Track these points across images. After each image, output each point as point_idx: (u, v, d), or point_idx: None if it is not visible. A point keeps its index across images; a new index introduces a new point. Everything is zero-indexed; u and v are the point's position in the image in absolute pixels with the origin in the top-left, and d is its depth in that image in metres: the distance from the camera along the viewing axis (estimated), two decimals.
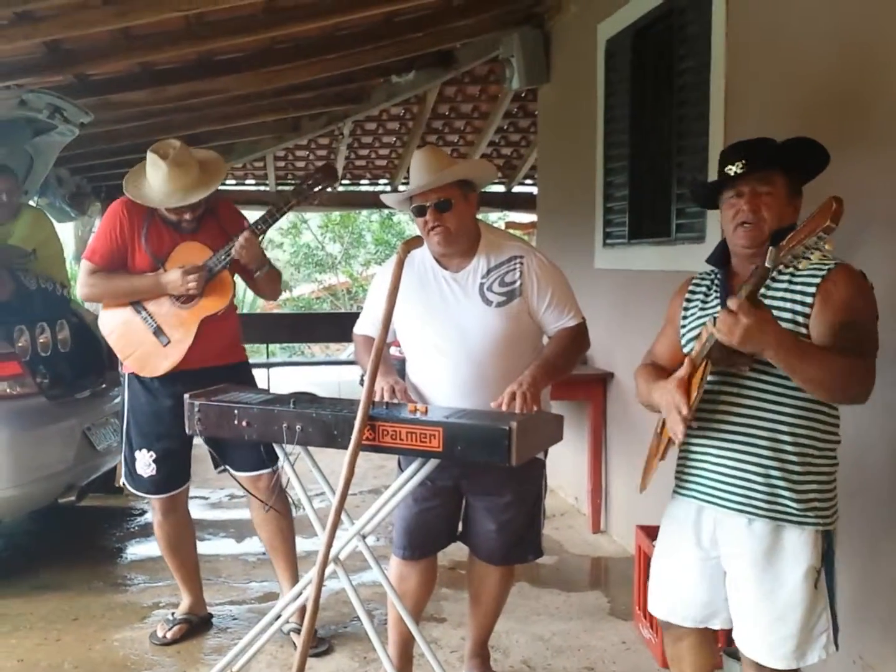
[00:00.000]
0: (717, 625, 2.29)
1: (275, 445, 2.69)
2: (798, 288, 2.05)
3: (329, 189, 3.33)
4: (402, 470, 2.78)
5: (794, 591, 2.07)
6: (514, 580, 3.23)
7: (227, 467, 3.30)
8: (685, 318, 2.30)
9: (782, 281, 2.08)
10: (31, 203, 5.30)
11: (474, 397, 2.59)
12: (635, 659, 3.30)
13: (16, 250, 4.45)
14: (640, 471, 2.40)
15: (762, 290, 2.01)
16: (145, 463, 3.30)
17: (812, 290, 2.01)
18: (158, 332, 3.27)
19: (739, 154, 2.15)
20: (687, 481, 2.24)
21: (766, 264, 1.85)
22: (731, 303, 1.88)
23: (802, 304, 2.03)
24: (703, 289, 2.30)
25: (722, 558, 2.19)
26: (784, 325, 1.99)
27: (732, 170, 2.13)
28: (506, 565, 2.92)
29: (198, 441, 2.96)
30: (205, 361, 3.25)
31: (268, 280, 3.36)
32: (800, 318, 2.03)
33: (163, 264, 3.24)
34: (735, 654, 2.99)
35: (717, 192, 2.24)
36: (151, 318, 3.28)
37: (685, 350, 2.24)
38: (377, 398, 2.53)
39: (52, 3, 3.77)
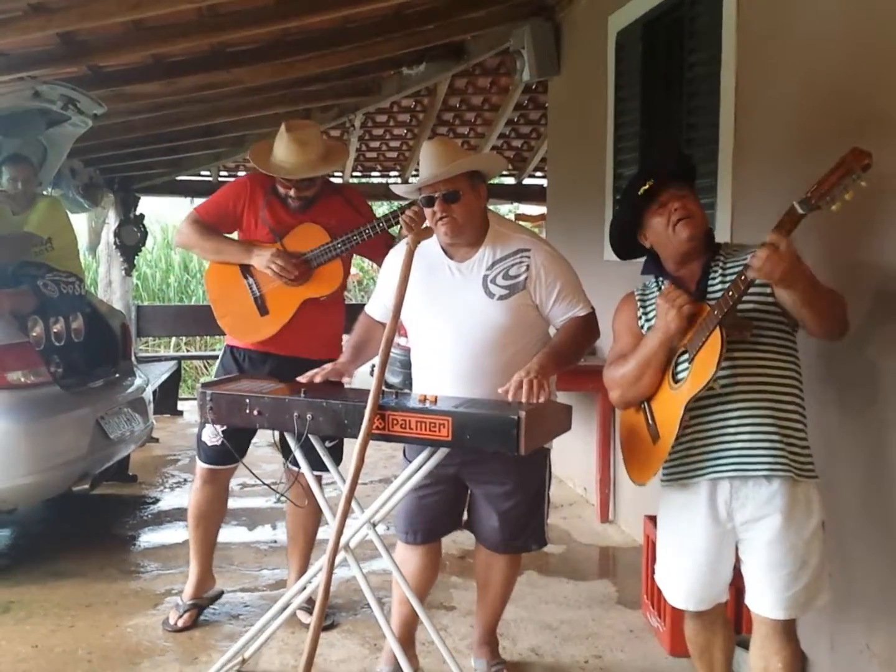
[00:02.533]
0: (724, 598, 2.45)
1: (286, 436, 2.72)
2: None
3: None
4: (407, 460, 2.81)
5: (810, 543, 2.24)
6: (523, 569, 3.26)
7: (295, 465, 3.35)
8: (648, 320, 2.44)
9: (734, 263, 2.32)
10: (45, 193, 5.34)
11: (474, 388, 2.61)
12: (643, 647, 3.33)
13: (32, 238, 4.51)
14: None
15: (723, 273, 2.33)
16: (212, 433, 3.33)
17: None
18: (260, 301, 3.32)
19: (644, 177, 2.41)
20: (698, 461, 2.31)
21: (799, 210, 1.99)
22: (774, 239, 2.01)
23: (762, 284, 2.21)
24: (655, 295, 2.43)
25: (737, 528, 2.30)
26: (756, 302, 2.26)
27: (644, 188, 2.36)
28: (509, 553, 2.95)
29: None
30: (299, 351, 3.28)
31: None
32: (769, 297, 2.26)
33: (280, 239, 3.29)
34: (746, 645, 3.03)
35: (635, 228, 2.46)
36: (257, 285, 3.32)
37: None
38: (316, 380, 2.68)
39: None
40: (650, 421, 2.39)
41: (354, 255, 3.47)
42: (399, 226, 3.21)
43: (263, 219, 3.31)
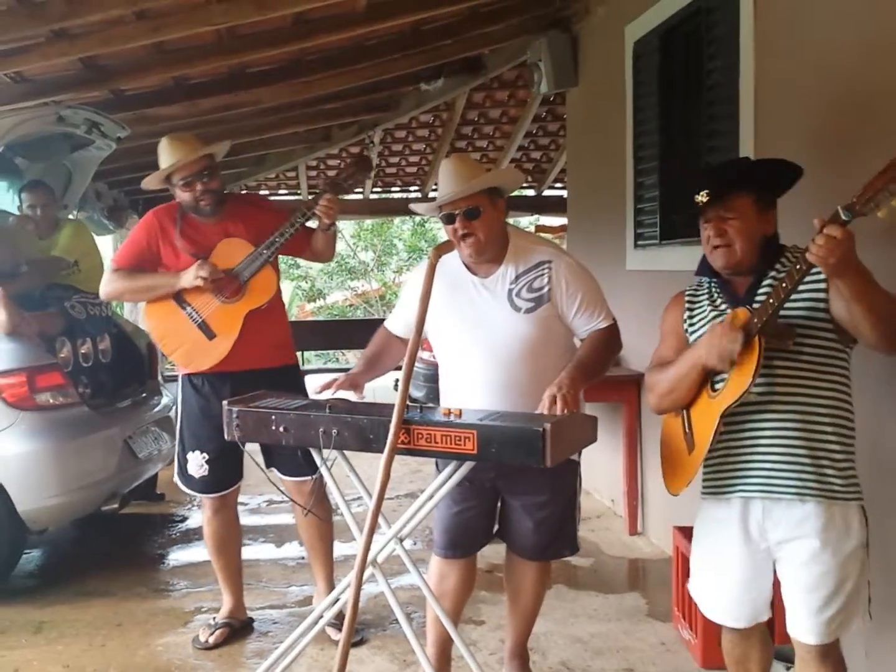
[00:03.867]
0: (765, 616, 2.37)
1: (312, 451, 2.73)
2: (808, 285, 2.15)
3: (362, 178, 3.42)
4: (439, 471, 2.81)
5: (846, 566, 2.16)
6: (552, 583, 3.23)
7: (275, 470, 3.39)
8: (694, 324, 2.38)
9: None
10: (72, 216, 5.42)
11: (504, 401, 2.62)
12: (675, 660, 3.30)
13: (60, 262, 4.57)
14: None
15: (775, 279, 2.20)
16: (198, 464, 3.37)
17: (821, 275, 2.09)
18: (203, 326, 3.33)
19: (703, 183, 2.30)
20: (730, 478, 2.27)
21: (843, 217, 1.90)
22: (831, 228, 1.92)
23: (816, 290, 2.16)
24: (704, 297, 2.39)
25: (772, 548, 2.25)
26: (805, 311, 2.16)
27: (698, 199, 2.27)
28: (543, 560, 2.95)
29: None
30: (254, 363, 3.31)
31: (332, 236, 3.46)
32: (820, 305, 2.15)
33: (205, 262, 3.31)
34: (781, 656, 3.00)
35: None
36: (196, 312, 3.34)
37: None
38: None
39: (87, 20, 3.86)
40: (687, 429, 2.35)
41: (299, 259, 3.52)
42: (316, 217, 3.28)
43: (182, 247, 3.32)
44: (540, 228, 11.78)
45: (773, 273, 2.25)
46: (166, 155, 3.29)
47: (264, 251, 3.29)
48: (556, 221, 11.36)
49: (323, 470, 2.71)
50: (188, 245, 3.32)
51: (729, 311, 2.26)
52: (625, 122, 4.83)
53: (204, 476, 3.40)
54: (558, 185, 9.84)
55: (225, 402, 2.74)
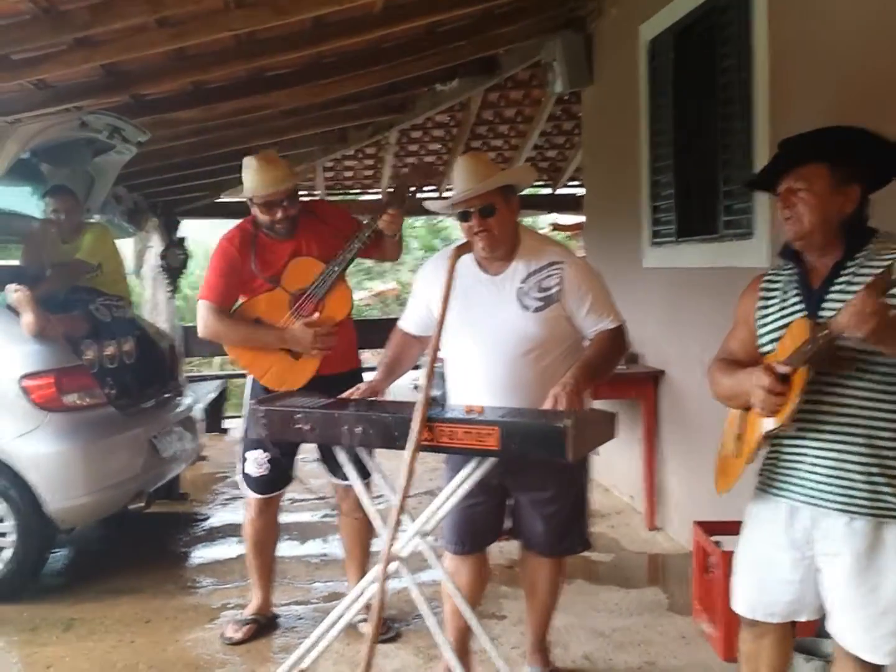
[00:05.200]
0: (804, 617, 2.30)
1: (335, 451, 2.77)
2: None
3: (424, 184, 3.46)
4: (448, 469, 2.86)
5: None
6: (572, 578, 3.28)
7: (330, 475, 3.46)
8: (764, 317, 2.27)
9: (869, 269, 2.06)
10: (94, 220, 5.49)
11: (510, 399, 2.66)
12: (696, 653, 3.33)
13: (84, 265, 4.65)
14: (696, 467, 2.43)
15: (850, 280, 2.08)
16: (258, 463, 3.42)
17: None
18: (287, 348, 3.38)
19: (778, 152, 2.21)
20: (779, 481, 2.23)
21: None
22: (862, 302, 1.85)
23: None
24: (780, 286, 2.27)
25: (817, 557, 2.18)
26: None
27: (758, 173, 2.22)
28: (555, 556, 2.99)
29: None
30: (324, 369, 3.36)
31: (398, 241, 3.52)
32: None
33: (278, 283, 3.37)
34: (804, 649, 3.01)
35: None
36: None
37: (763, 350, 2.24)
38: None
39: (109, 28, 3.92)
40: (740, 431, 2.29)
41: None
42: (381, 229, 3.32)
43: (256, 272, 3.37)
44: (556, 227, 11.81)
45: (854, 264, 2.11)
46: (252, 177, 3.31)
47: (335, 268, 3.34)
48: (571, 220, 11.39)
49: (347, 469, 2.77)
50: (262, 268, 3.38)
51: (799, 305, 2.17)
52: (640, 120, 4.87)
53: (263, 475, 3.45)
54: (573, 183, 9.87)
55: (252, 402, 2.81)
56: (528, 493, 2.86)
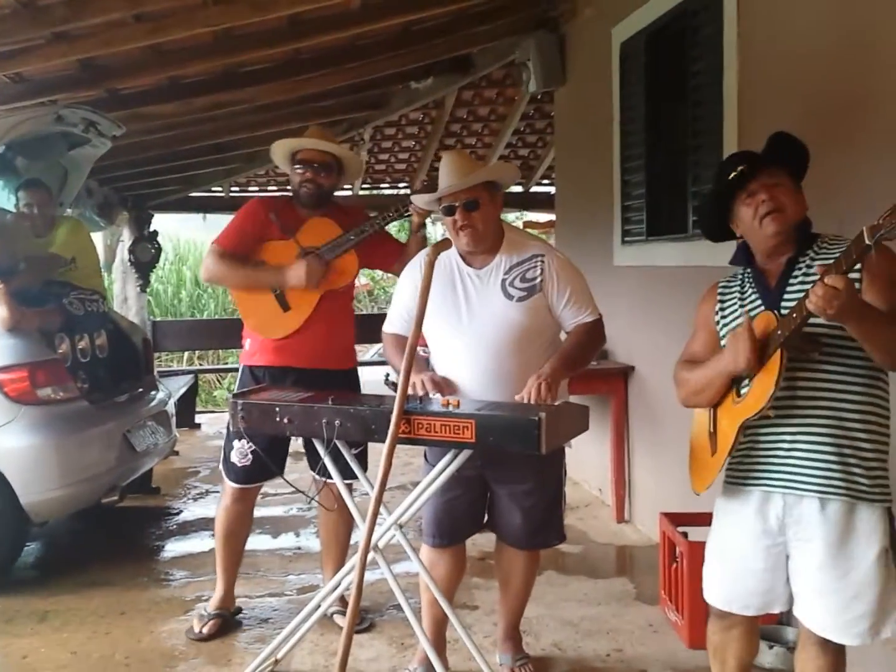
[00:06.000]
0: (776, 609, 2.37)
1: (315, 443, 2.82)
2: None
3: None
4: (428, 462, 2.92)
5: (868, 571, 2.15)
6: (542, 569, 3.35)
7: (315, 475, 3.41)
8: (724, 317, 2.37)
9: (821, 261, 2.15)
10: (67, 213, 5.48)
11: (495, 388, 2.73)
12: (662, 640, 3.42)
13: (58, 259, 4.64)
14: (664, 461, 2.49)
15: (805, 272, 2.19)
16: (242, 453, 3.43)
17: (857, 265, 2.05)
18: (280, 298, 3.41)
19: (737, 161, 2.30)
20: (753, 471, 2.27)
21: (867, 241, 1.87)
22: (831, 279, 1.92)
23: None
24: (736, 289, 2.37)
25: (789, 543, 2.24)
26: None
27: (734, 174, 2.26)
28: (531, 549, 3.06)
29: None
30: (320, 362, 3.39)
31: (422, 242, 3.51)
32: None
33: (294, 235, 3.41)
34: (767, 636, 3.10)
35: (725, 213, 2.35)
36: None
37: None
38: (419, 392, 2.69)
39: (88, 23, 3.94)
40: (712, 429, 2.36)
41: (366, 267, 3.60)
42: (410, 214, 3.35)
43: (274, 221, 3.43)
44: (527, 224, 11.89)
45: (804, 260, 2.23)
46: (303, 139, 3.44)
47: (352, 237, 3.39)
48: (543, 217, 11.49)
49: (327, 461, 2.82)
50: (282, 218, 3.43)
51: (757, 302, 2.26)
52: (612, 120, 4.95)
53: (246, 465, 3.45)
54: (545, 181, 9.95)
55: (229, 395, 2.85)
56: (508, 486, 2.92)
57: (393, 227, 18.88)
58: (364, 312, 15.13)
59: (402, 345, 2.96)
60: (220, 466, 3.59)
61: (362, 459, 3.30)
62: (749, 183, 2.26)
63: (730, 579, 2.37)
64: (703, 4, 3.89)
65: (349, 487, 3.01)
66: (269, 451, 3.33)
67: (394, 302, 3.08)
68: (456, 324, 2.83)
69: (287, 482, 3.04)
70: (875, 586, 2.15)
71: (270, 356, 3.45)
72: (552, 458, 2.79)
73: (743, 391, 2.25)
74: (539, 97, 7.48)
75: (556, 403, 2.58)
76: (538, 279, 2.79)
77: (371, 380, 9.12)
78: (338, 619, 3.47)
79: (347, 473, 2.91)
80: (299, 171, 3.41)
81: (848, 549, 2.16)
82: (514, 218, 13.91)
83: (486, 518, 3.07)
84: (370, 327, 3.36)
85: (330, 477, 2.93)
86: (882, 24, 2.74)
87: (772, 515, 2.25)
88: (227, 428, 3.53)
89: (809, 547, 2.19)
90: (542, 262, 2.81)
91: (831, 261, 2.05)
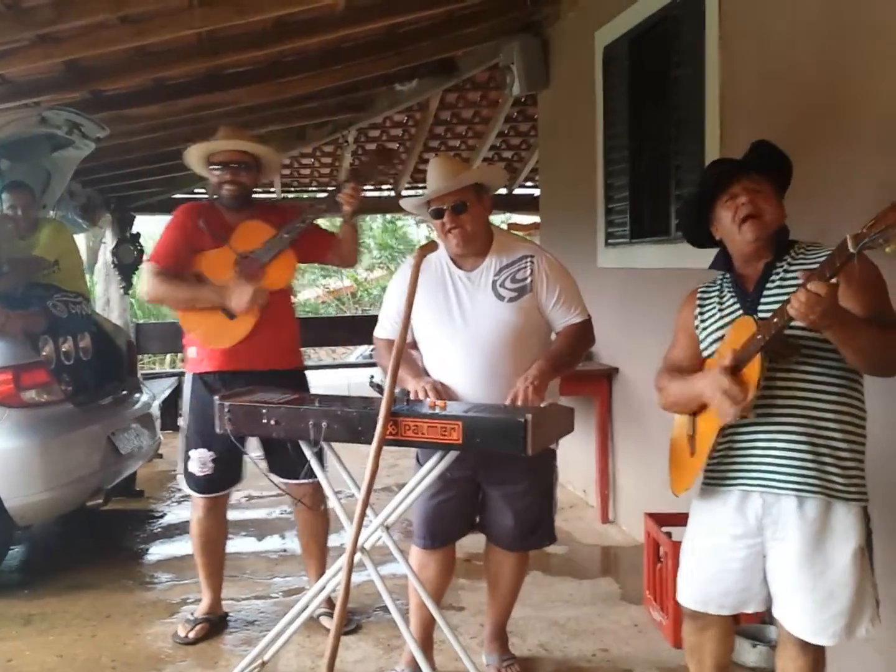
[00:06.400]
0: (751, 609, 2.40)
1: (302, 445, 2.82)
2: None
3: (385, 169, 3.53)
4: (420, 464, 2.93)
5: (844, 571, 2.17)
6: (528, 570, 3.37)
7: (273, 475, 3.45)
8: (703, 322, 2.40)
9: (798, 267, 2.20)
10: (50, 215, 5.46)
11: (487, 389, 2.75)
12: (647, 640, 3.45)
13: (41, 261, 4.63)
14: (647, 462, 2.50)
15: (783, 277, 2.22)
16: (202, 462, 3.43)
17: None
18: (225, 307, 3.39)
19: (719, 165, 2.35)
20: (732, 471, 2.30)
21: (850, 249, 1.88)
22: (814, 285, 1.94)
23: None
24: (715, 294, 2.40)
25: (766, 542, 2.26)
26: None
27: (716, 175, 2.29)
28: (522, 551, 3.07)
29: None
30: (267, 364, 3.40)
31: (355, 232, 3.52)
32: None
33: (226, 241, 3.41)
34: (750, 635, 3.14)
35: (705, 217, 2.37)
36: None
37: (707, 353, 2.36)
38: (421, 397, 2.72)
39: (72, 25, 3.92)
40: (692, 431, 2.38)
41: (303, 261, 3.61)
42: (340, 205, 3.36)
43: (204, 229, 3.41)
44: (512, 226, 11.93)
45: (782, 266, 2.26)
46: (218, 141, 3.43)
47: (285, 235, 3.39)
48: (527, 219, 11.52)
49: (313, 462, 2.83)
50: (213, 225, 3.42)
51: (736, 306, 2.29)
52: (595, 124, 4.98)
53: (208, 475, 3.45)
54: (529, 183, 9.99)
55: (216, 397, 2.84)
56: (501, 488, 2.93)
57: (377, 229, 18.77)
58: (348, 314, 15.13)
59: (390, 346, 3.01)
60: (180, 478, 3.58)
61: (320, 458, 3.31)
62: (731, 186, 2.28)
63: (706, 580, 2.39)
64: (685, 10, 3.92)
65: (316, 487, 3.05)
66: (230, 457, 3.36)
67: (384, 306, 3.09)
68: (448, 326, 2.84)
69: (276, 485, 3.04)
70: (850, 585, 2.17)
71: (220, 362, 3.43)
72: (543, 460, 2.82)
73: None
74: (523, 100, 7.51)
75: (544, 405, 2.60)
76: (528, 279, 2.82)
77: (355, 382, 9.20)
78: (324, 620, 3.48)
79: (310, 473, 2.93)
80: (217, 172, 3.40)
81: (824, 547, 2.18)
82: (500, 221, 13.96)
83: (477, 519, 3.09)
84: (354, 329, 3.39)
85: (314, 476, 2.94)
86: (863, 29, 2.78)
87: (751, 515, 2.27)
88: (183, 438, 3.55)
89: (786, 546, 2.21)
90: (532, 262, 2.84)
91: (808, 267, 2.09)
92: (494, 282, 2.83)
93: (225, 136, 3.44)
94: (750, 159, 2.35)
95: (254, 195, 3.57)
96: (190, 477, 3.50)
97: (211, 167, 3.42)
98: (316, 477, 2.93)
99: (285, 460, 3.36)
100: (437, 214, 2.80)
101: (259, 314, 3.38)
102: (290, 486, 3.47)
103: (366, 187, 3.59)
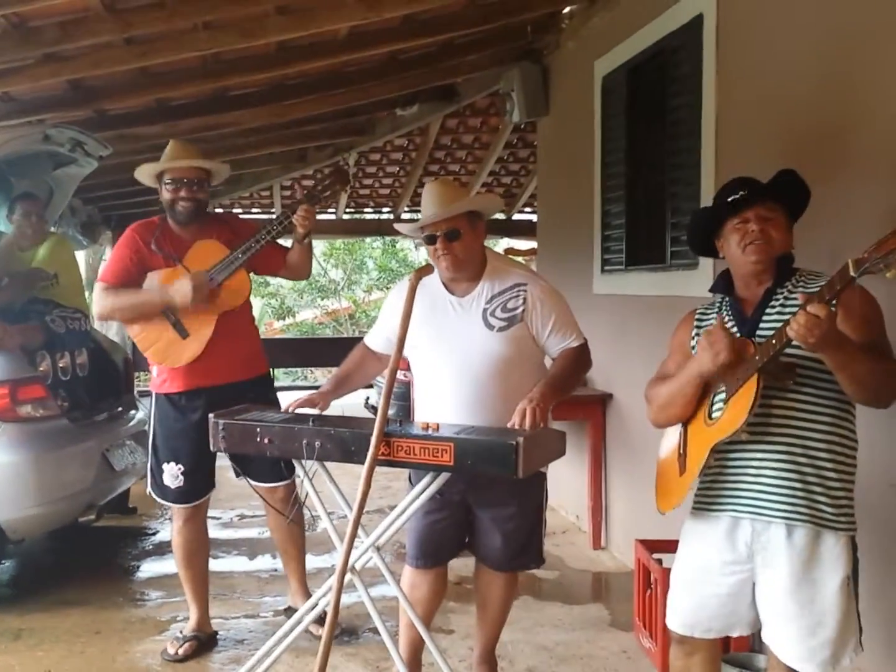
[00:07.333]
0: (737, 632, 2.41)
1: (294, 462, 2.85)
2: None
3: (339, 190, 3.55)
4: (412, 485, 2.95)
5: (831, 599, 2.18)
6: (518, 594, 3.39)
7: (246, 478, 3.46)
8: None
9: (797, 296, 2.20)
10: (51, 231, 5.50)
11: (476, 416, 2.76)
12: (636, 667, 3.45)
13: (40, 273, 4.66)
14: (640, 489, 2.51)
15: (783, 303, 2.24)
16: (173, 475, 3.49)
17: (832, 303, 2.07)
18: (178, 325, 3.42)
19: (739, 186, 2.34)
20: (722, 496, 2.31)
21: (851, 273, 1.89)
22: (814, 307, 1.95)
23: None
24: (714, 316, 2.41)
25: (756, 569, 2.27)
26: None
27: (735, 197, 2.30)
28: (510, 571, 3.08)
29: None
30: (227, 377, 3.43)
31: (308, 250, 3.55)
32: None
33: (180, 261, 3.42)
34: (738, 663, 3.13)
35: (713, 230, 2.40)
36: (172, 312, 3.43)
37: None
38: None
39: (78, 44, 3.98)
40: (682, 450, 2.39)
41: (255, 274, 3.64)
42: (294, 226, 3.38)
43: (156, 251, 3.44)
44: (509, 251, 11.98)
45: (783, 292, 2.28)
46: (166, 154, 3.46)
47: (239, 255, 3.40)
48: (525, 245, 11.58)
49: (305, 482, 2.84)
50: (165, 246, 3.44)
51: (734, 330, 2.29)
52: (593, 151, 5.03)
53: (180, 486, 3.51)
54: (528, 209, 10.07)
55: (211, 415, 2.87)
56: (491, 510, 2.94)
57: (377, 250, 18.82)
58: (345, 336, 15.15)
59: (361, 358, 3.12)
60: (150, 490, 3.61)
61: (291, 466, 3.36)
62: (745, 209, 2.30)
63: (695, 605, 2.39)
64: (682, 41, 3.98)
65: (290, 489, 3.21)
66: (197, 468, 3.45)
67: (379, 318, 3.14)
68: (437, 351, 2.87)
69: (264, 500, 3.04)
70: (836, 614, 2.18)
71: (182, 381, 3.48)
72: (533, 483, 2.83)
73: (715, 414, 2.29)
74: (522, 126, 7.58)
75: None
76: (520, 309, 2.83)
77: (349, 403, 9.21)
78: (312, 626, 3.46)
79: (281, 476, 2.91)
80: (171, 188, 3.42)
81: (812, 576, 2.19)
82: (501, 248, 14.01)
83: (466, 540, 3.10)
84: (351, 350, 3.38)
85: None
86: (854, 60, 2.83)
87: (741, 541, 2.28)
88: (151, 451, 3.57)
89: (776, 573, 2.22)
90: (525, 291, 2.84)
91: (812, 291, 2.11)
92: (485, 310, 2.84)
93: (178, 154, 3.46)
94: (771, 186, 2.35)
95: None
96: (165, 489, 3.54)
97: (165, 183, 3.43)
98: (288, 479, 2.96)
99: (256, 463, 3.41)
100: (430, 241, 2.82)
101: (213, 331, 3.42)
102: (262, 490, 3.49)
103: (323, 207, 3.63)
